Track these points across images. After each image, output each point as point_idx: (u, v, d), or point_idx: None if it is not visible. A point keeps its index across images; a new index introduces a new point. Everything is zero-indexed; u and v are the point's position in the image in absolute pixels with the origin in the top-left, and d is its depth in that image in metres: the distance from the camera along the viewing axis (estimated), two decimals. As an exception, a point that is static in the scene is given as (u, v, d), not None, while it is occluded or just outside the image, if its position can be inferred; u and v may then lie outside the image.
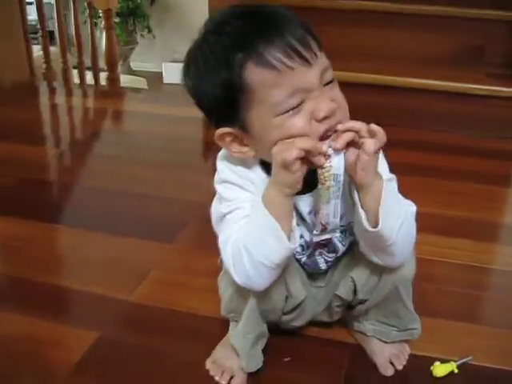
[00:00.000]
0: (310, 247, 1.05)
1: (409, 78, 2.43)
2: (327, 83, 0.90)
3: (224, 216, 0.99)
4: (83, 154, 2.32)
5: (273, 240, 0.91)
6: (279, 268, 0.96)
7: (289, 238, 0.92)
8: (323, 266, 1.11)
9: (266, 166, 0.96)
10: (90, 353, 1.20)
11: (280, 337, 1.19)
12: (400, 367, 1.15)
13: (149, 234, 1.64)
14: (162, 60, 5.51)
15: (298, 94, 0.87)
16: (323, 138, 0.89)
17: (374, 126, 0.88)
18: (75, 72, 3.30)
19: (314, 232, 1.00)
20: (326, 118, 0.88)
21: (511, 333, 1.28)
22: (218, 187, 1.02)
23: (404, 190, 1.01)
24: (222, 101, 0.90)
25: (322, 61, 0.89)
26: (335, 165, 0.89)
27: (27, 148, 2.28)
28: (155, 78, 5.16)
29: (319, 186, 0.92)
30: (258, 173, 0.99)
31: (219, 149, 1.02)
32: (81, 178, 2.10)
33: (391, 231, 0.93)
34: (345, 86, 0.95)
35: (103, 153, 2.30)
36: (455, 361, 1.15)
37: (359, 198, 0.93)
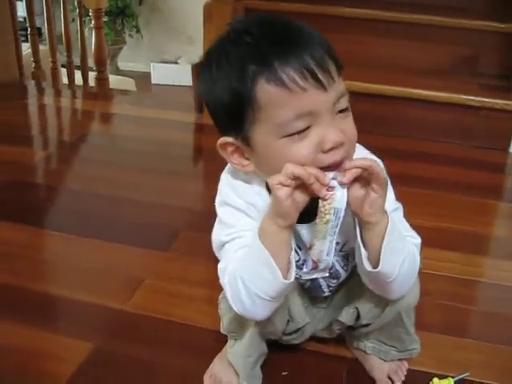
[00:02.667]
0: None
1: (402, 88, 2.42)
2: (340, 111, 0.87)
3: (224, 244, 0.97)
4: (71, 157, 2.28)
5: (267, 273, 0.88)
6: (277, 301, 0.93)
7: (287, 271, 0.89)
8: (326, 290, 1.10)
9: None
10: (85, 365, 1.18)
11: (278, 351, 1.17)
12: (399, 383, 1.15)
13: (141, 241, 1.61)
14: (149, 60, 5.49)
15: (305, 118, 0.84)
16: (327, 169, 0.86)
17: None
18: (64, 71, 3.27)
19: (304, 270, 0.97)
20: (332, 149, 0.85)
21: (507, 348, 1.28)
22: (220, 210, 0.99)
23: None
24: (228, 109, 0.88)
25: (339, 87, 0.86)
26: (338, 198, 0.85)
27: (15, 149, 2.24)
28: (143, 78, 5.13)
29: (317, 220, 0.87)
30: (262, 196, 0.96)
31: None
32: (69, 181, 2.07)
33: (393, 268, 0.91)
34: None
35: (92, 156, 2.26)
36: (453, 377, 1.15)
37: (361, 236, 0.91)
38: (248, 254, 0.91)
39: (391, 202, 1.00)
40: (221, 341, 1.16)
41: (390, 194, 1.00)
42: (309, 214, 0.88)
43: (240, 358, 1.09)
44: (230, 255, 0.94)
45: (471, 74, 2.62)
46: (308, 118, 0.84)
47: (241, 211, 0.96)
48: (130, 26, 5.55)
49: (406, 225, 1.03)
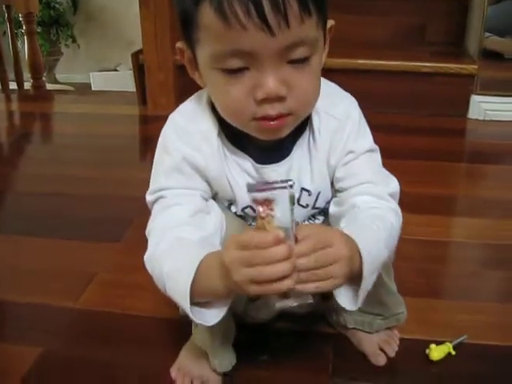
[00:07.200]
0: None
1: (352, 60, 2.33)
2: (295, 61, 0.74)
3: (152, 205, 0.88)
4: (12, 157, 2.14)
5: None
6: None
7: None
8: None
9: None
10: (33, 371, 1.02)
11: (251, 333, 1.04)
12: (393, 354, 1.02)
13: (92, 234, 1.47)
14: (88, 70, 5.29)
15: (242, 57, 0.72)
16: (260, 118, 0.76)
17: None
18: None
19: None
20: (265, 100, 0.73)
21: (498, 307, 1.20)
22: (157, 156, 0.89)
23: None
24: (180, 19, 0.77)
25: (298, 33, 0.71)
26: (279, 214, 0.68)
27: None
28: (83, 89, 4.94)
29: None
30: (210, 140, 0.85)
31: (156, 145, 0.89)
32: (12, 182, 1.93)
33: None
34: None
35: (34, 155, 2.12)
36: (450, 341, 1.04)
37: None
38: (176, 262, 0.79)
39: (367, 143, 0.90)
40: (185, 329, 1.01)
41: (364, 134, 0.91)
42: (276, 152, 0.80)
43: (204, 334, 0.95)
44: (155, 221, 0.86)
45: (421, 43, 2.57)
46: (246, 58, 0.72)
47: (175, 166, 0.86)
48: (66, 35, 5.35)
49: (383, 170, 0.93)
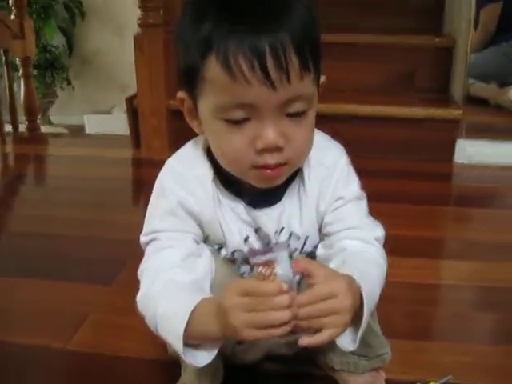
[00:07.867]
0: None
1: (343, 105, 2.38)
2: (293, 115, 0.80)
3: (146, 246, 0.92)
4: (6, 198, 2.17)
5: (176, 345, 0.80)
6: None
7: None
8: None
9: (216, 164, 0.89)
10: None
11: (239, 374, 1.05)
12: (379, 395, 1.04)
13: (85, 276, 1.49)
14: (83, 112, 5.35)
15: (245, 109, 0.77)
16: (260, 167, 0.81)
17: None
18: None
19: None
20: (265, 150, 0.79)
21: (486, 348, 1.21)
22: (152, 200, 0.93)
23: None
24: (183, 69, 0.83)
25: (297, 88, 0.77)
26: (281, 271, 0.76)
27: None
28: (77, 132, 4.98)
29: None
30: (204, 185, 0.89)
31: (151, 187, 0.93)
32: (6, 223, 1.95)
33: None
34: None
35: (28, 197, 2.16)
36: (435, 381, 1.05)
37: None
38: (170, 303, 0.82)
39: (355, 189, 0.94)
40: (176, 372, 1.02)
41: (351, 181, 0.95)
42: (268, 197, 0.84)
43: (194, 376, 0.97)
44: (148, 262, 0.90)
45: (409, 90, 2.63)
46: (248, 110, 0.77)
47: (170, 209, 0.90)
48: (61, 78, 5.42)
49: (369, 216, 0.97)
